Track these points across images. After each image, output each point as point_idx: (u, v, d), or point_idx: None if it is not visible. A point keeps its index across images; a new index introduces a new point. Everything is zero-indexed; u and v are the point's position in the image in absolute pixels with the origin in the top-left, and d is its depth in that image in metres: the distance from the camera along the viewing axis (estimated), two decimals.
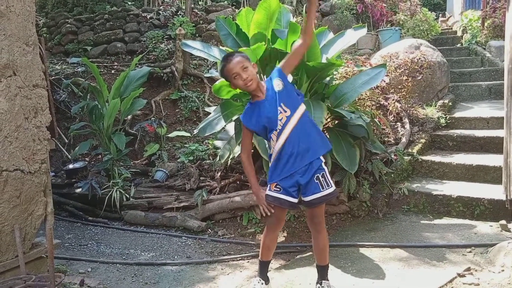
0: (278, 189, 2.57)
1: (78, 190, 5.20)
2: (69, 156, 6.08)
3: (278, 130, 2.52)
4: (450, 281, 2.83)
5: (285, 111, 2.52)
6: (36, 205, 2.77)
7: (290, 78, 2.59)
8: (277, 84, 2.56)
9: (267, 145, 2.70)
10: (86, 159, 6.21)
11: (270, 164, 2.65)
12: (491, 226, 3.72)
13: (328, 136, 4.02)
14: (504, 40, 2.86)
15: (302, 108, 2.58)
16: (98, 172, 5.65)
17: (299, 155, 2.51)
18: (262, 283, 2.77)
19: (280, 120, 2.51)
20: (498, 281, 2.75)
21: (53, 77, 7.10)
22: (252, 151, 4.63)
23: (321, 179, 2.53)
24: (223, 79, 3.93)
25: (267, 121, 2.55)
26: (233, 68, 2.52)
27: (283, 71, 2.62)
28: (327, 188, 2.53)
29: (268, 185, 2.62)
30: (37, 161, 2.75)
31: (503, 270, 2.86)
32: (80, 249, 4.12)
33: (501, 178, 3.79)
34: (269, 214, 2.63)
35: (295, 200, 2.58)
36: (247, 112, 2.67)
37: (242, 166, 2.85)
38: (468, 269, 2.94)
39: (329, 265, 3.03)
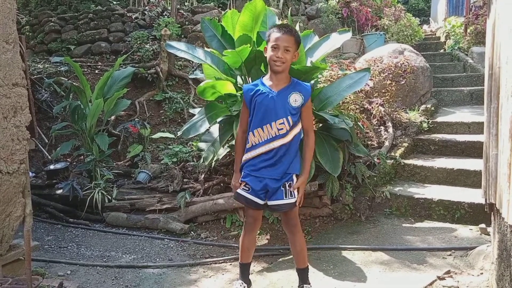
0: (247, 189, 2.62)
1: (59, 191, 5.10)
2: (50, 157, 5.99)
3: (271, 136, 2.53)
4: (430, 284, 2.86)
5: (289, 124, 2.54)
6: (14, 206, 2.71)
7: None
8: (295, 100, 2.53)
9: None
10: (68, 159, 6.12)
11: (245, 160, 2.67)
12: (471, 229, 3.77)
13: None
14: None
15: (298, 127, 2.60)
16: (80, 173, 5.57)
17: (275, 168, 2.56)
18: (244, 286, 2.77)
19: (280, 129, 2.52)
20: (477, 284, 2.79)
21: (35, 76, 6.98)
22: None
23: (287, 188, 2.58)
24: (207, 81, 3.96)
25: (264, 113, 2.54)
26: (278, 39, 2.49)
27: (308, 98, 2.60)
28: (290, 198, 2.58)
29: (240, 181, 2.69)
30: (16, 161, 2.69)
31: (482, 273, 2.91)
32: (60, 251, 4.05)
33: (481, 182, 3.84)
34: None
35: (262, 202, 2.63)
36: (252, 87, 2.63)
37: (235, 142, 2.80)
38: (448, 272, 2.98)
39: (311, 267, 3.04)
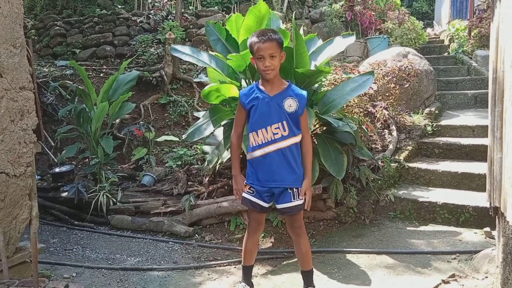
0: (251, 192, 2.64)
1: (64, 194, 5.14)
2: (56, 160, 6.02)
3: (266, 140, 2.53)
4: (435, 287, 2.85)
5: (284, 130, 2.53)
6: (20, 208, 2.74)
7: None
8: (289, 105, 2.52)
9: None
10: (73, 162, 6.15)
11: (247, 160, 2.68)
12: (476, 233, 3.76)
13: (316, 142, 4.05)
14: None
15: (297, 138, 2.58)
16: (85, 176, 5.60)
17: (272, 175, 2.56)
18: None
19: (275, 134, 2.52)
20: None
21: (40, 80, 7.03)
22: (241, 156, 4.62)
23: (294, 190, 2.58)
24: (212, 85, 3.98)
25: (258, 117, 2.54)
26: (261, 49, 2.46)
27: (304, 106, 2.59)
28: (298, 199, 2.59)
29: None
30: (23, 164, 2.72)
31: (486, 277, 2.90)
32: (65, 253, 4.07)
33: (486, 186, 3.83)
34: (239, 200, 2.72)
35: (267, 205, 2.64)
36: (247, 92, 2.63)
37: (230, 146, 2.79)
38: (453, 275, 2.97)
39: (316, 271, 3.04)
